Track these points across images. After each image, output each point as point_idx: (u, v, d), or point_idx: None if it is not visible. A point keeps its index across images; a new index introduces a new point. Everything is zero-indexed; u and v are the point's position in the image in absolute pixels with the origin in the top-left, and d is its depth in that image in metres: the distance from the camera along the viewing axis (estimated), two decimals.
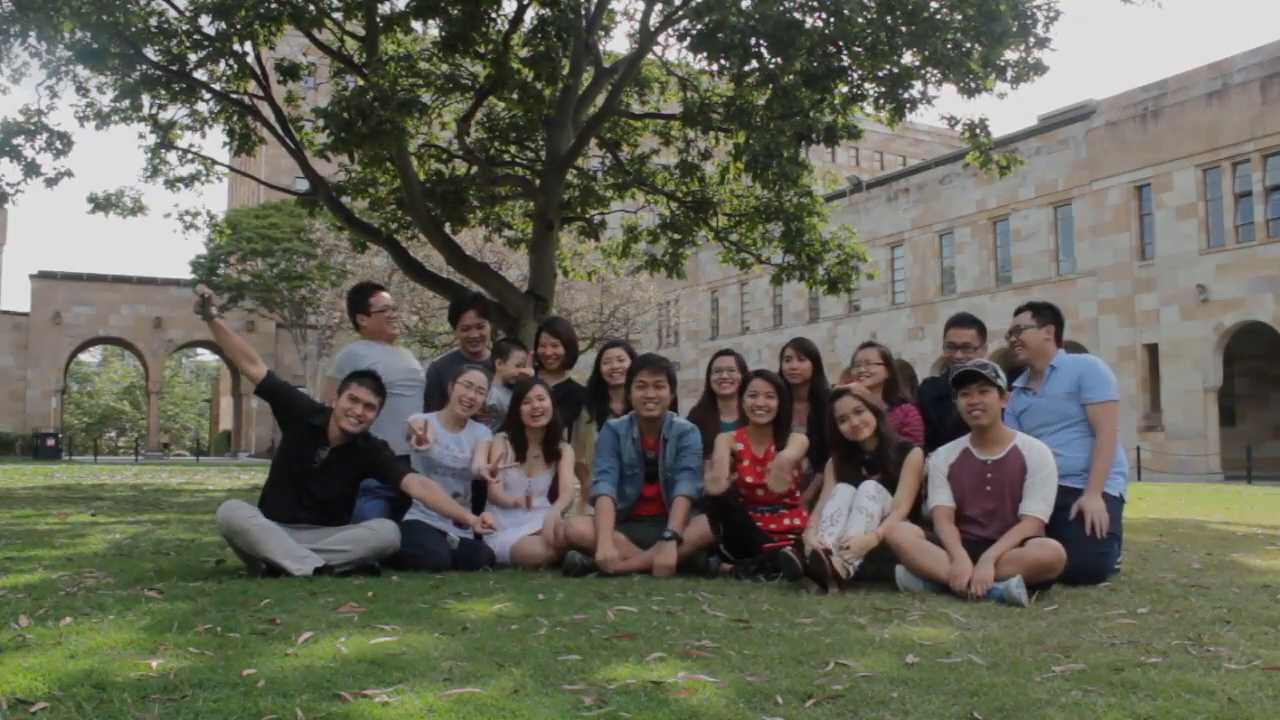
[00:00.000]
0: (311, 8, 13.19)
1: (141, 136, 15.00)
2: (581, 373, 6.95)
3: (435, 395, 5.73)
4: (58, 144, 13.88)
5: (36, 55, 13.67)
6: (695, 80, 14.97)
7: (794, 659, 2.90)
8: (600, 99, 14.55)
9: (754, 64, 12.06)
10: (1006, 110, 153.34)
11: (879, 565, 4.44)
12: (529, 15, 14.30)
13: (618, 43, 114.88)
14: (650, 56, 15.02)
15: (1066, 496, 4.69)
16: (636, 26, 14.43)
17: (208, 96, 14.74)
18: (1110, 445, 4.87)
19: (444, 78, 14.75)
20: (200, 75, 14.51)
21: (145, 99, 14.36)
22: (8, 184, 14.37)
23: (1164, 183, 27.44)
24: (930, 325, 33.94)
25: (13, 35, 13.06)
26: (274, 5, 12.68)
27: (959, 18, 11.55)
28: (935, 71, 12.17)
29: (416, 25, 14.63)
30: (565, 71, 14.01)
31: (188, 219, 16.00)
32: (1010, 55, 12.07)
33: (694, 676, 2.64)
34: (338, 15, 13.85)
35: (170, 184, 15.34)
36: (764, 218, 15.46)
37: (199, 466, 29.90)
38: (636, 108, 15.90)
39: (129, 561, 5.14)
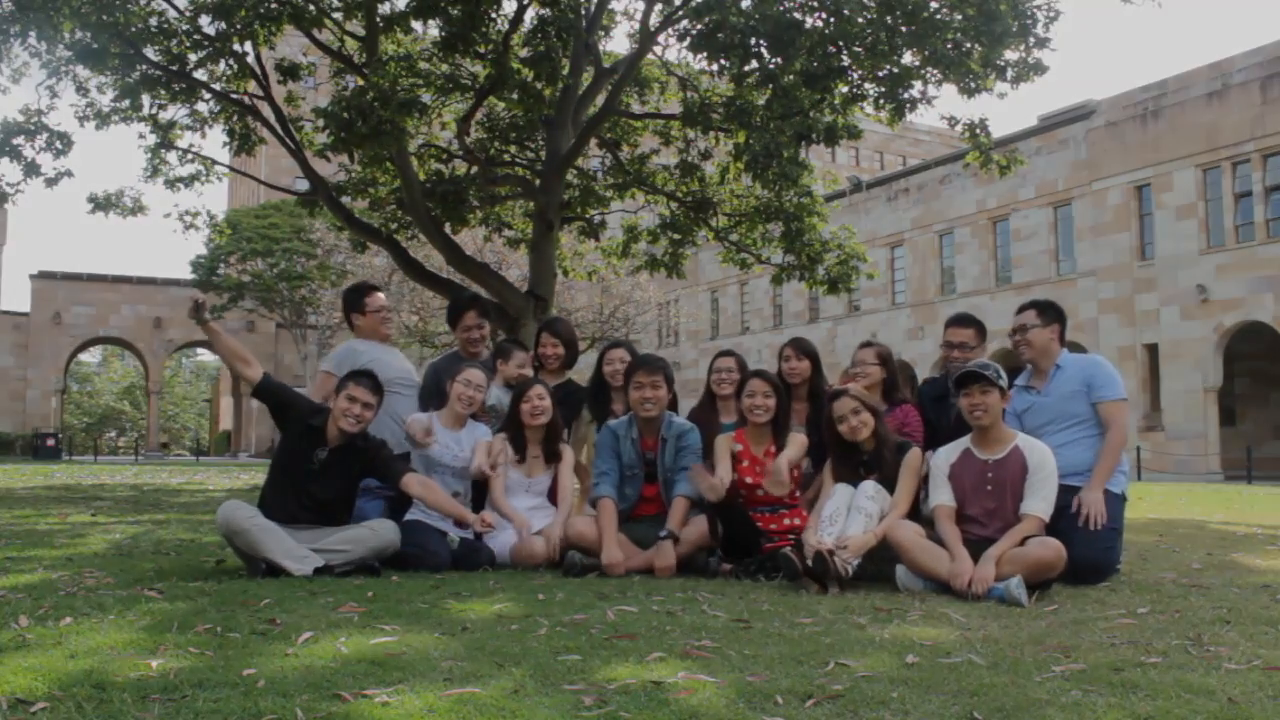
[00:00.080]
0: (311, 8, 13.19)
1: (141, 136, 15.02)
2: (582, 373, 6.95)
3: (434, 395, 5.73)
4: (58, 144, 13.89)
5: (36, 55, 13.69)
6: (695, 80, 14.97)
7: (794, 659, 2.90)
8: (600, 99, 14.56)
9: (754, 64, 12.07)
10: (1006, 110, 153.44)
11: (879, 565, 4.45)
12: (529, 15, 14.31)
13: (618, 43, 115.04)
14: (650, 56, 15.03)
15: (1070, 495, 4.70)
16: (636, 26, 14.44)
17: (208, 96, 14.75)
18: (1122, 442, 4.93)
19: (444, 78, 14.76)
20: (200, 75, 14.51)
21: (145, 99, 14.37)
22: (8, 184, 14.38)
23: (1164, 183, 27.44)
24: (930, 325, 33.94)
25: (13, 35, 13.07)
26: (274, 5, 12.68)
27: (959, 18, 11.56)
28: (935, 71, 12.18)
29: (416, 25, 14.64)
30: (565, 71, 14.01)
31: (188, 219, 16.02)
32: (1010, 55, 12.08)
33: (694, 676, 2.64)
34: (338, 15, 13.86)
35: (170, 184, 15.36)
36: (764, 218, 15.47)
37: (199, 466, 29.90)
38: (636, 108, 15.91)
39: (129, 561, 5.14)
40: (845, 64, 12.36)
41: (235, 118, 15.07)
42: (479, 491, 5.42)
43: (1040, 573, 4.16)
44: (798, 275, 15.64)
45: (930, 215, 35.20)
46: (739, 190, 15.74)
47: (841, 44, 12.03)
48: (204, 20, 13.40)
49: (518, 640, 3.13)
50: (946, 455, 4.62)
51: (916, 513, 4.63)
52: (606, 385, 5.95)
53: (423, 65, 14.55)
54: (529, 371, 5.92)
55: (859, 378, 5.42)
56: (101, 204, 15.21)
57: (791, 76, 11.91)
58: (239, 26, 12.85)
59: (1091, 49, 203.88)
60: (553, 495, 5.43)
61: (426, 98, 13.95)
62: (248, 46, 13.84)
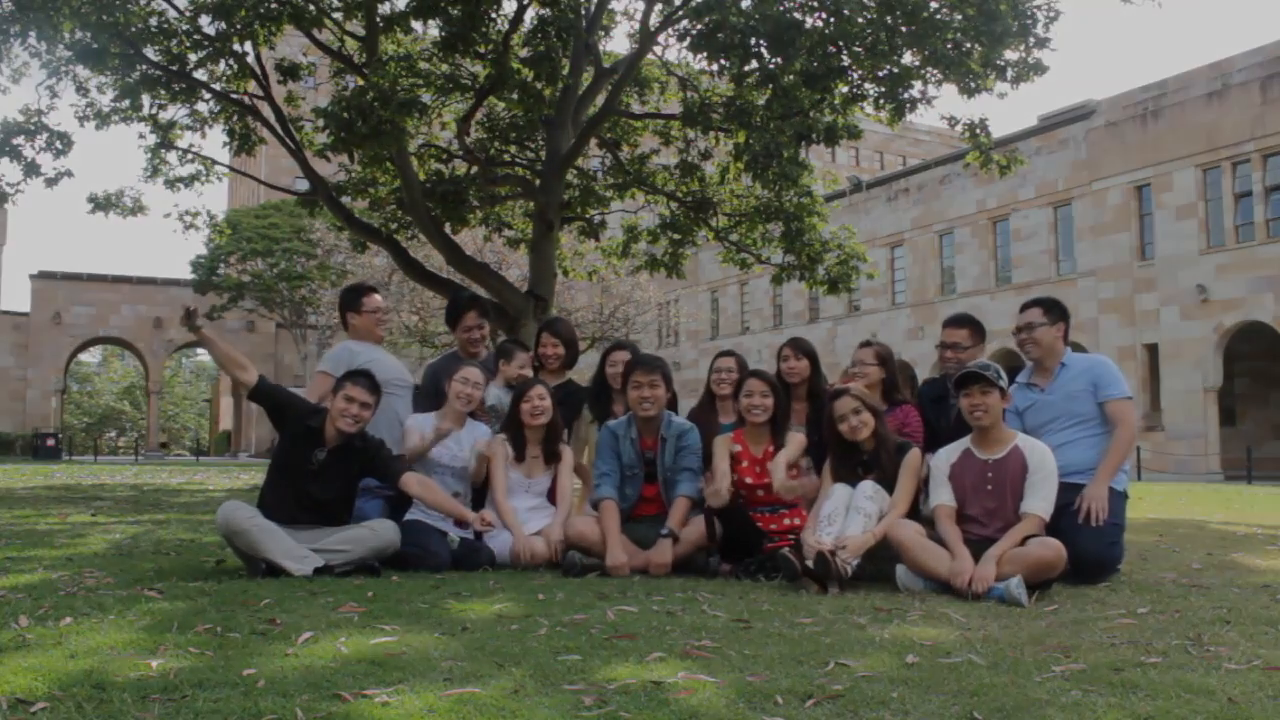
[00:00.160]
0: (311, 8, 13.20)
1: (141, 136, 15.02)
2: (582, 373, 6.94)
3: (432, 396, 5.73)
4: (58, 144, 13.89)
5: (36, 55, 13.68)
6: (695, 80, 14.98)
7: (794, 659, 2.90)
8: (600, 99, 14.56)
9: (754, 64, 12.07)
10: (1006, 110, 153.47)
11: (879, 565, 4.45)
12: (529, 15, 14.32)
13: (618, 43, 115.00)
14: (650, 56, 15.03)
15: (1073, 494, 4.71)
16: (636, 26, 14.45)
17: (208, 96, 14.75)
18: (1131, 440, 4.97)
19: (444, 78, 14.76)
20: (200, 75, 14.52)
21: (145, 99, 14.37)
22: (8, 184, 14.38)
23: (1164, 183, 27.44)
24: (930, 325, 33.93)
25: (13, 35, 13.07)
26: (274, 5, 12.68)
27: (959, 18, 11.56)
28: (935, 71, 12.18)
29: (416, 25, 14.64)
30: (565, 71, 14.01)
31: (188, 219, 16.03)
32: (1010, 55, 12.08)
33: (694, 676, 2.64)
34: (338, 15, 13.86)
35: (170, 184, 15.36)
36: (764, 218, 15.47)
37: (199, 466, 29.90)
38: (636, 108, 15.91)
39: (129, 561, 5.14)
40: (845, 64, 12.37)
41: (235, 118, 15.07)
42: (478, 492, 5.42)
43: (1040, 573, 4.16)
44: (798, 275, 15.64)
45: (930, 215, 35.21)
46: (739, 190, 15.74)
47: (841, 44, 12.03)
48: (204, 20, 13.41)
49: (518, 640, 3.13)
50: (947, 455, 4.63)
51: (916, 513, 4.64)
52: (608, 386, 5.95)
53: (423, 65, 14.55)
54: (529, 372, 5.92)
55: (858, 377, 5.42)
56: (101, 204, 15.21)
57: (791, 76, 11.91)
58: (239, 26, 12.86)
59: (1091, 49, 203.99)
60: (552, 496, 5.43)
61: (426, 98, 13.95)
62: (248, 46, 13.84)
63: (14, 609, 3.55)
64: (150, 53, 13.74)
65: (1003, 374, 4.59)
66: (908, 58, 12.23)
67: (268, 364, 46.53)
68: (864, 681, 2.62)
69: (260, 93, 14.25)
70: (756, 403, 5.00)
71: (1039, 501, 4.37)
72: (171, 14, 13.74)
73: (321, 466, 4.77)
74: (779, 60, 11.88)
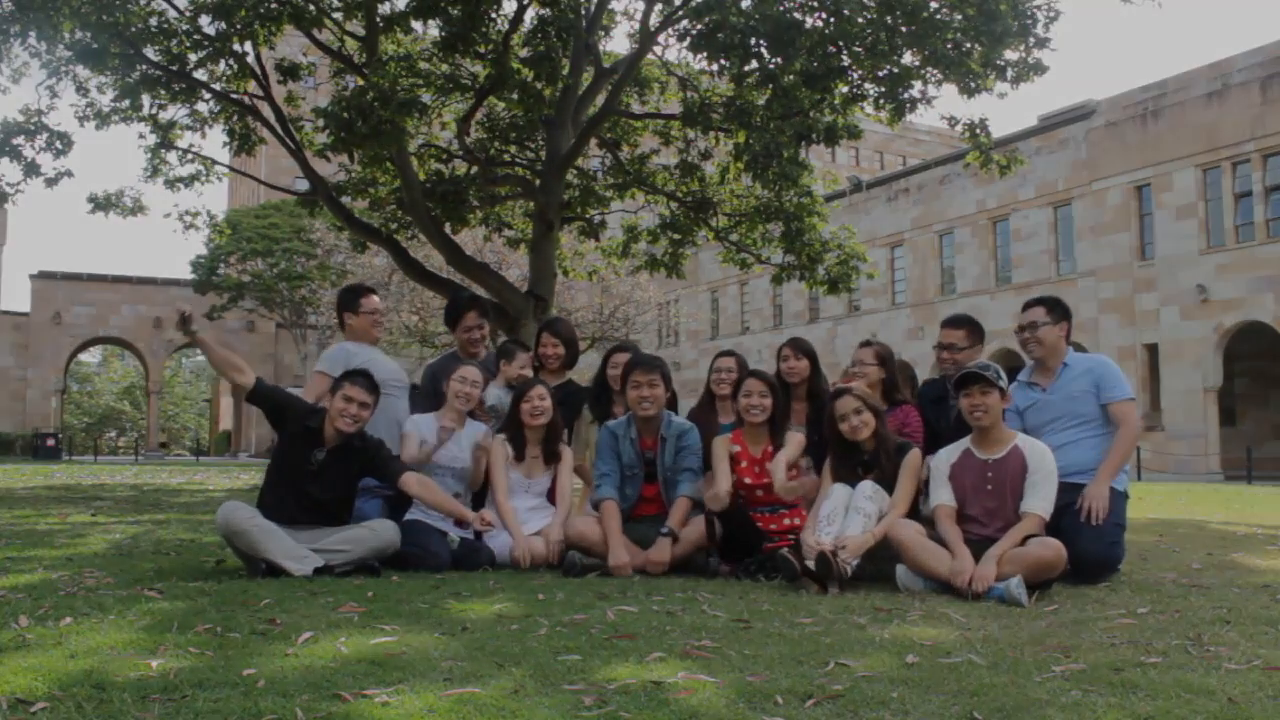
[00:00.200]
0: (311, 8, 13.20)
1: (141, 136, 15.02)
2: (582, 373, 6.94)
3: (431, 396, 5.73)
4: (58, 144, 13.89)
5: (36, 55, 13.69)
6: (695, 80, 14.98)
7: (794, 659, 2.90)
8: (600, 99, 14.56)
9: (754, 64, 12.07)
10: (1006, 110, 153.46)
11: (879, 565, 4.45)
12: (529, 15, 14.32)
13: (618, 43, 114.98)
14: (650, 56, 15.03)
15: (1074, 493, 4.71)
16: (636, 26, 14.45)
17: (208, 96, 14.75)
18: (1133, 441, 4.98)
19: (444, 78, 14.77)
20: (200, 75, 14.52)
21: (145, 99, 14.37)
22: (8, 184, 14.39)
23: (1164, 183, 27.44)
24: (930, 325, 33.91)
25: (13, 35, 13.07)
26: (274, 5, 12.69)
27: (959, 18, 11.56)
28: (935, 71, 12.18)
29: (416, 25, 14.65)
30: (565, 71, 14.02)
31: (188, 219, 16.03)
32: (1010, 55, 12.09)
33: (694, 676, 2.64)
34: (338, 15, 13.86)
35: (170, 184, 15.36)
36: (764, 218, 15.47)
37: (199, 466, 29.90)
38: (636, 108, 15.91)
39: (129, 561, 5.14)
40: (845, 64, 12.37)
41: (235, 118, 15.07)
42: (479, 492, 5.42)
43: (1040, 573, 4.17)
44: (798, 275, 15.64)
45: (930, 215, 35.20)
46: (739, 190, 15.74)
47: (841, 44, 12.04)
48: (204, 20, 13.41)
49: (518, 640, 3.13)
50: (947, 455, 4.63)
51: (916, 513, 4.64)
52: (609, 387, 5.95)
53: (423, 65, 14.55)
54: (529, 372, 5.92)
55: (858, 377, 5.42)
56: (101, 204, 15.21)
57: (791, 76, 11.91)
58: (239, 26, 12.86)
59: (1091, 49, 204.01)
60: (552, 496, 5.43)
61: (426, 98, 13.96)
62: (248, 46, 13.84)
63: (14, 609, 3.55)
64: (150, 53, 13.74)
65: (1002, 374, 4.59)
66: (908, 58, 12.23)
67: (267, 364, 46.54)
68: (864, 681, 2.62)
69: (260, 93, 14.25)
70: (755, 403, 5.00)
71: (1039, 501, 4.37)
72: (171, 14, 13.75)
73: (321, 467, 4.77)
74: (779, 60, 11.88)
